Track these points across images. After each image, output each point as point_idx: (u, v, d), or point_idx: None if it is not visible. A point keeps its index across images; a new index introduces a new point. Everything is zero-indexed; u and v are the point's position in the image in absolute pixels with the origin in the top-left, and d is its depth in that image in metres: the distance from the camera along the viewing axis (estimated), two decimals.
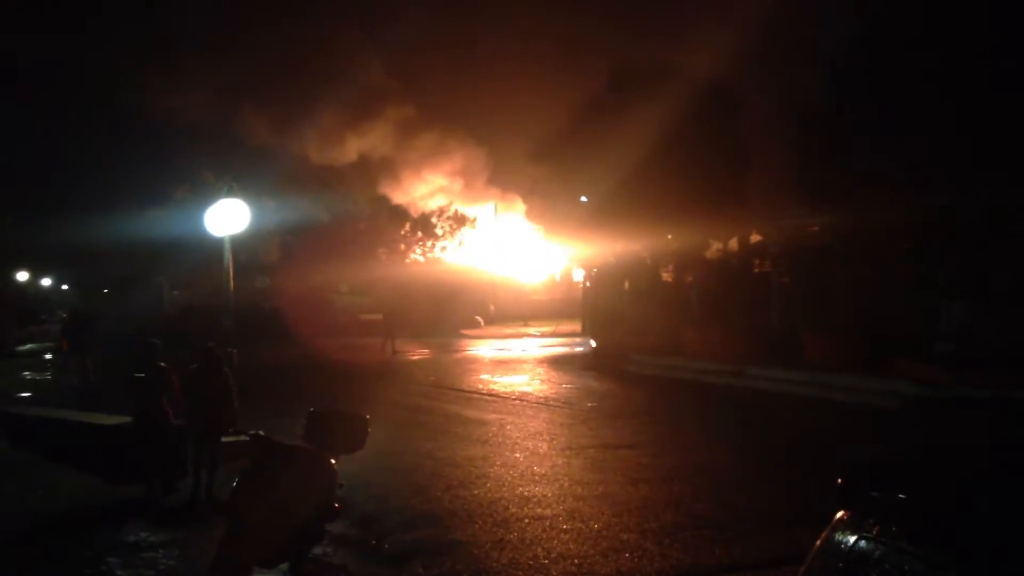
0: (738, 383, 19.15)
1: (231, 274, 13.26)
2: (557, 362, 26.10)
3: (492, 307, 48.71)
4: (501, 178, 51.29)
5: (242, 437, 10.93)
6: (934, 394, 15.09)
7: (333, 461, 7.53)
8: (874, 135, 17.92)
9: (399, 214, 49.00)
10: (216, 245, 13.57)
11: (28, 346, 37.97)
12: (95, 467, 10.50)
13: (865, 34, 18.77)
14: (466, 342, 36.05)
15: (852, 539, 2.60)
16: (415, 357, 29.55)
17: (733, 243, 26.11)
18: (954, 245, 17.17)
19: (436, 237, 49.40)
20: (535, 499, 9.62)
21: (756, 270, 24.70)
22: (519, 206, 48.51)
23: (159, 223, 36.93)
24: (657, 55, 26.03)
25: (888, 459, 3.07)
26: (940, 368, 15.84)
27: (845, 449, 11.96)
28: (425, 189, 49.72)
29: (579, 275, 42.94)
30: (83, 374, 22.95)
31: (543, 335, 38.99)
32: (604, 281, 30.42)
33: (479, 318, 45.62)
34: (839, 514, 2.78)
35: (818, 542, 2.78)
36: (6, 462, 11.51)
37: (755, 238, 24.77)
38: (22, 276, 46.36)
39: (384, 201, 49.17)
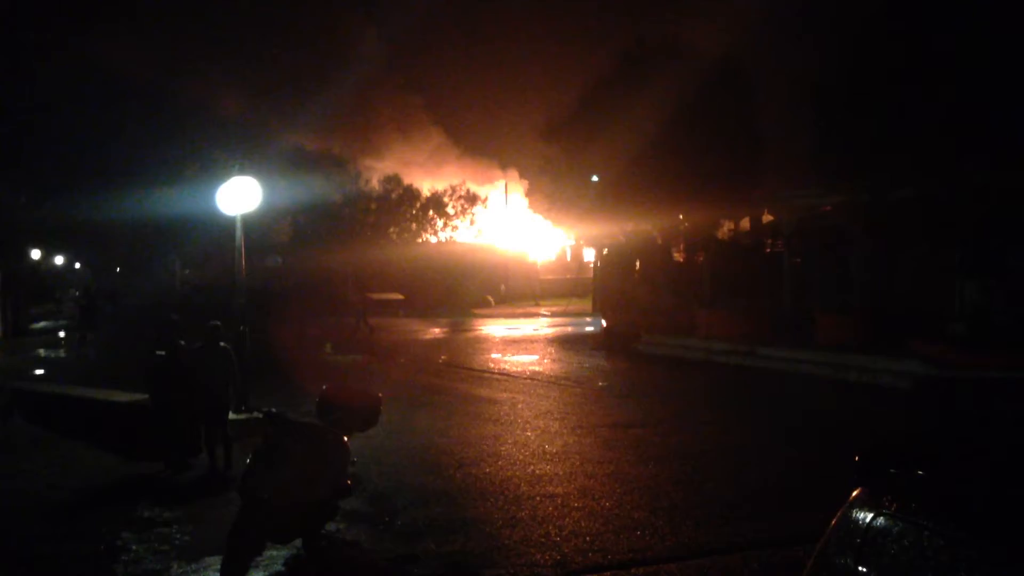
0: (750, 363, 19.12)
1: (243, 253, 13.26)
2: (568, 341, 26.10)
3: (503, 287, 48.68)
4: (511, 157, 51.27)
5: (255, 415, 11.04)
6: (947, 375, 15.03)
7: (346, 439, 7.56)
8: (889, 113, 17.77)
9: (411, 193, 48.97)
10: (228, 224, 13.57)
11: (42, 324, 38.21)
12: (109, 444, 10.58)
13: (880, 10, 18.59)
14: (477, 321, 36.08)
15: (870, 516, 2.60)
16: (427, 336, 29.61)
17: (745, 223, 25.98)
18: (969, 224, 17.05)
19: (448, 216, 49.35)
20: (546, 477, 9.64)
21: (768, 250, 24.58)
22: (526, 186, 48.53)
23: (171, 201, 36.96)
24: (669, 32, 25.81)
25: (907, 438, 3.06)
26: (953, 348, 15.76)
27: (857, 429, 11.95)
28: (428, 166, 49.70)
29: (590, 254, 42.88)
30: (88, 347, 24.00)
31: (554, 314, 38.98)
32: (615, 260, 30.35)
33: (490, 297, 45.62)
34: (856, 492, 2.77)
35: (835, 519, 2.77)
36: (22, 438, 11.61)
37: (767, 218, 24.63)
38: (35, 254, 46.48)
39: (396, 180, 49.15)
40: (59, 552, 7.62)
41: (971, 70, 16.63)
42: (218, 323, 10.57)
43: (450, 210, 49.25)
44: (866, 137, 18.32)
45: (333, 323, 28.56)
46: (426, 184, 50.05)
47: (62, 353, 26.77)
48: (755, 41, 23.16)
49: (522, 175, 51.09)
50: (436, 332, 31.02)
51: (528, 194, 49.62)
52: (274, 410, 7.53)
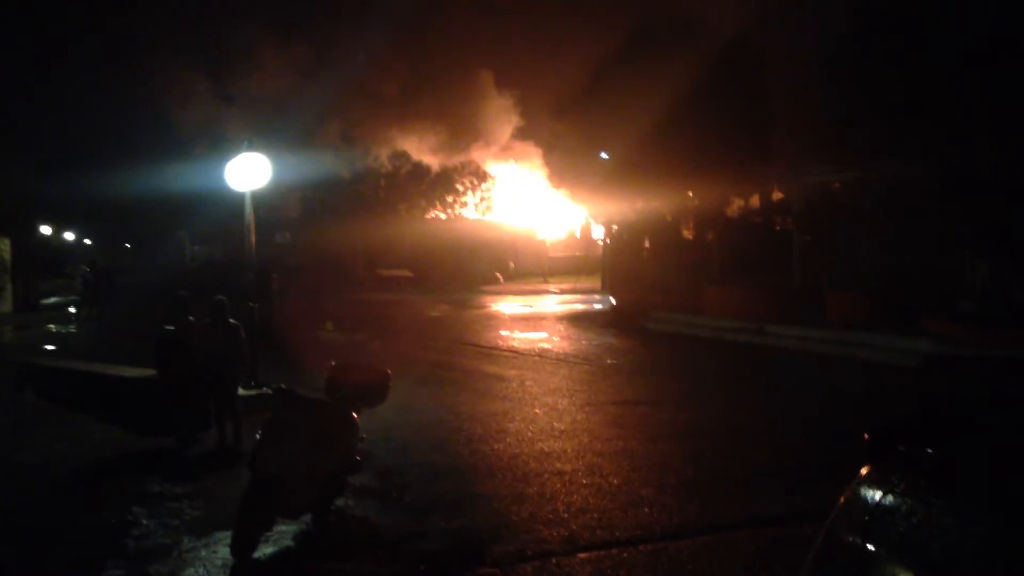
0: (759, 341, 19.10)
1: (252, 229, 13.27)
2: (577, 319, 26.09)
3: (512, 264, 48.68)
4: (521, 133, 50.91)
5: (265, 390, 11.09)
6: (957, 352, 15.00)
7: (355, 414, 7.59)
8: (901, 90, 17.63)
9: (420, 170, 48.85)
10: (237, 200, 13.56)
11: (52, 299, 38.37)
12: (119, 419, 10.62)
13: None
14: (486, 298, 36.10)
15: (878, 493, 2.59)
16: (435, 313, 29.63)
17: (755, 200, 25.88)
18: (980, 203, 16.95)
19: (457, 193, 49.25)
20: (555, 454, 9.66)
21: (778, 228, 24.51)
22: (537, 161, 48.20)
23: (181, 177, 37.04)
24: (680, 6, 25.62)
25: (916, 414, 3.05)
26: (963, 326, 15.72)
27: (867, 407, 11.93)
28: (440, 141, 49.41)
29: (599, 232, 42.84)
30: (94, 320, 25.28)
31: (563, 292, 38.98)
32: (624, 238, 30.30)
33: (499, 274, 45.64)
34: (865, 469, 2.77)
35: (843, 497, 2.76)
36: (32, 414, 11.66)
37: (777, 195, 24.54)
38: (46, 230, 46.67)
39: (405, 157, 49.02)
40: (70, 526, 7.67)
41: (984, 47, 16.47)
42: (223, 298, 10.57)
43: (459, 187, 49.13)
44: (877, 114, 18.20)
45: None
46: (436, 161, 49.89)
47: (72, 328, 26.88)
48: (767, 17, 22.97)
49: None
50: (445, 309, 31.03)
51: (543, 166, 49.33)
52: (283, 386, 7.55)
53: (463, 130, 49.72)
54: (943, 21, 17.17)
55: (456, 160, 49.15)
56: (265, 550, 6.85)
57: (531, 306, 31.62)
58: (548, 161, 43.83)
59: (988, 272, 16.70)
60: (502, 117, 49.88)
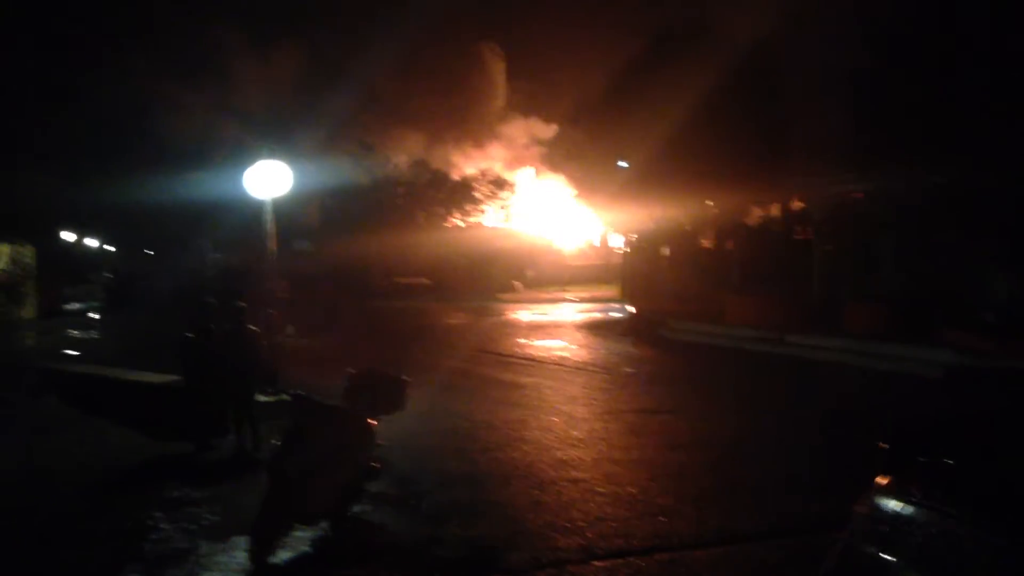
0: (778, 351, 19.00)
1: (273, 236, 13.33)
2: (595, 327, 26.04)
3: (530, 272, 48.62)
4: (539, 141, 50.86)
5: (284, 397, 11.13)
6: (978, 363, 14.85)
7: (372, 422, 7.61)
8: (924, 99, 17.54)
9: (439, 178, 48.87)
10: (258, 207, 13.63)
11: (75, 305, 38.68)
12: (139, 424, 10.69)
13: None
14: (504, 306, 36.09)
15: (896, 503, 2.57)
16: (453, 321, 29.64)
17: (775, 209, 25.79)
18: (1003, 213, 16.81)
19: (476, 201, 49.25)
20: (572, 462, 9.64)
21: (798, 237, 24.42)
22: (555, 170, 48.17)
23: (203, 185, 37.27)
24: (699, 15, 25.59)
25: (934, 425, 3.03)
26: (984, 337, 15.58)
27: (887, 418, 11.83)
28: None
29: (618, 240, 42.77)
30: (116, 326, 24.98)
31: (581, 300, 38.92)
32: (642, 247, 30.29)
33: (517, 283, 45.59)
34: (883, 479, 2.75)
35: (862, 507, 2.75)
36: (53, 418, 11.74)
37: (797, 204, 24.45)
38: (69, 237, 47.08)
39: (424, 165, 49.06)
40: (89, 530, 7.72)
41: (1009, 54, 16.36)
42: (244, 305, 10.63)
43: (478, 195, 49.13)
44: (900, 123, 18.11)
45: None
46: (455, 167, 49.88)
47: (94, 334, 27.08)
48: (788, 26, 22.91)
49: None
50: (462, 317, 31.05)
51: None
52: (302, 392, 7.58)
53: (479, 137, 49.75)
54: (965, 29, 17.08)
55: (476, 166, 49.16)
56: (283, 556, 6.87)
57: (549, 314, 31.58)
58: (566, 170, 43.81)
59: (1010, 283, 16.56)
60: (519, 125, 49.93)
